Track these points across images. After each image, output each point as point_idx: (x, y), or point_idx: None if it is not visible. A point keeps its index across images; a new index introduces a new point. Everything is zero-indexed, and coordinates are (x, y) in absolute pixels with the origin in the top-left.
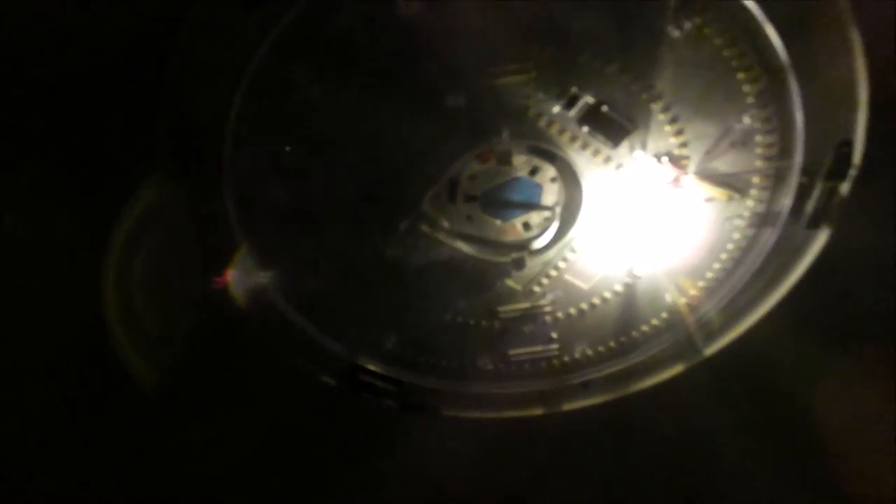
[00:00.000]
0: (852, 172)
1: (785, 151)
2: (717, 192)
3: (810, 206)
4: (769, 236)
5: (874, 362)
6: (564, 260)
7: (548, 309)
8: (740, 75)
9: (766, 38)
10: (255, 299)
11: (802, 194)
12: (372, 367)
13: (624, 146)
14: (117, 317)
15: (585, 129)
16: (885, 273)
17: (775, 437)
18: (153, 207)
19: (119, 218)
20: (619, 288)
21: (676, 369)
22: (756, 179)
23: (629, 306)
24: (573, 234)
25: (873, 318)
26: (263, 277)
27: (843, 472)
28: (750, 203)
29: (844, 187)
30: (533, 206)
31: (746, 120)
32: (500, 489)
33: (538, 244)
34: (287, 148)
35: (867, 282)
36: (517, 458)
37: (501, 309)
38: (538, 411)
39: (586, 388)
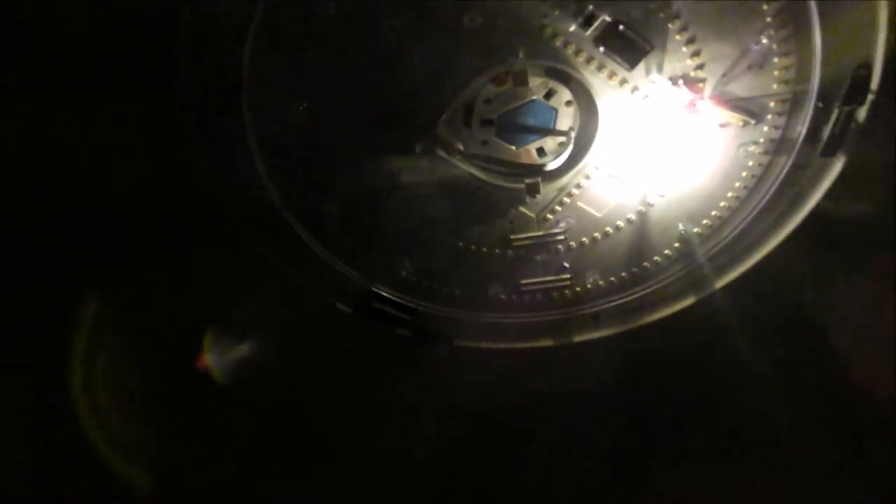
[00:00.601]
0: (870, 97)
1: (802, 75)
2: (732, 117)
3: (826, 132)
4: (784, 163)
5: (886, 290)
6: (578, 187)
7: (561, 237)
8: None
9: None
10: (270, 223)
11: (818, 120)
12: (386, 295)
13: (640, 68)
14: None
15: (602, 49)
16: None
17: (788, 367)
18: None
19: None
20: (632, 216)
21: (687, 301)
22: (772, 104)
23: (642, 236)
24: (588, 159)
25: (887, 247)
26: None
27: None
28: (765, 129)
29: (861, 113)
30: (548, 130)
31: (764, 41)
32: (511, 418)
33: (552, 169)
34: (303, 65)
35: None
36: (528, 388)
37: (514, 237)
38: (548, 342)
39: (597, 319)
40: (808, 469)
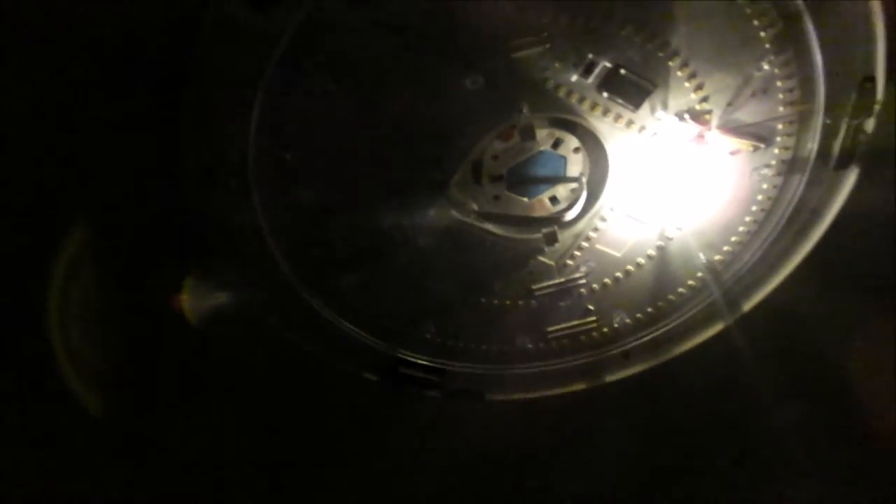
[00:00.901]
0: (877, 108)
1: (806, 94)
2: (742, 144)
3: (837, 146)
4: (798, 183)
5: None
6: (595, 230)
7: (582, 281)
8: (755, 22)
9: None
10: (287, 299)
11: (828, 135)
12: (412, 359)
13: (645, 108)
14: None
15: (605, 94)
16: None
17: (815, 389)
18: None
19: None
20: (651, 252)
21: (715, 329)
22: (780, 126)
23: (663, 270)
24: (602, 202)
25: None
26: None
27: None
28: (776, 151)
29: (870, 124)
30: (558, 178)
31: (765, 66)
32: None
33: (568, 217)
34: (305, 151)
35: None
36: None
37: (536, 286)
38: (580, 386)
39: (627, 357)
40: None
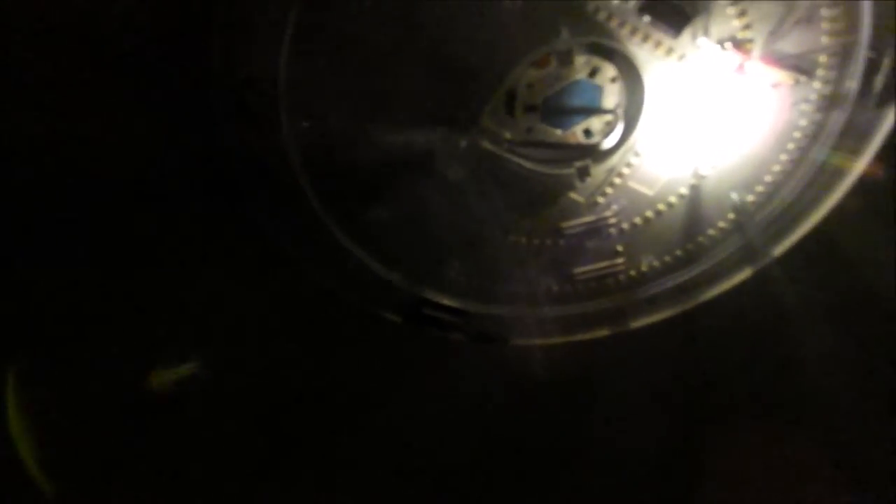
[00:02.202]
0: None
1: (851, 25)
2: (783, 76)
3: (879, 82)
4: (837, 119)
5: None
6: (628, 165)
7: (612, 220)
8: None
9: None
10: (313, 234)
11: (871, 70)
12: (436, 299)
13: (686, 34)
14: None
15: (646, 18)
16: None
17: (854, 329)
18: None
19: None
20: (684, 191)
21: (745, 274)
22: (822, 58)
23: (695, 210)
24: (636, 136)
25: None
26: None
27: None
28: (817, 85)
29: None
30: (594, 109)
31: None
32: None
33: (601, 149)
34: (342, 66)
35: None
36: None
37: (565, 224)
38: (605, 331)
39: (653, 302)
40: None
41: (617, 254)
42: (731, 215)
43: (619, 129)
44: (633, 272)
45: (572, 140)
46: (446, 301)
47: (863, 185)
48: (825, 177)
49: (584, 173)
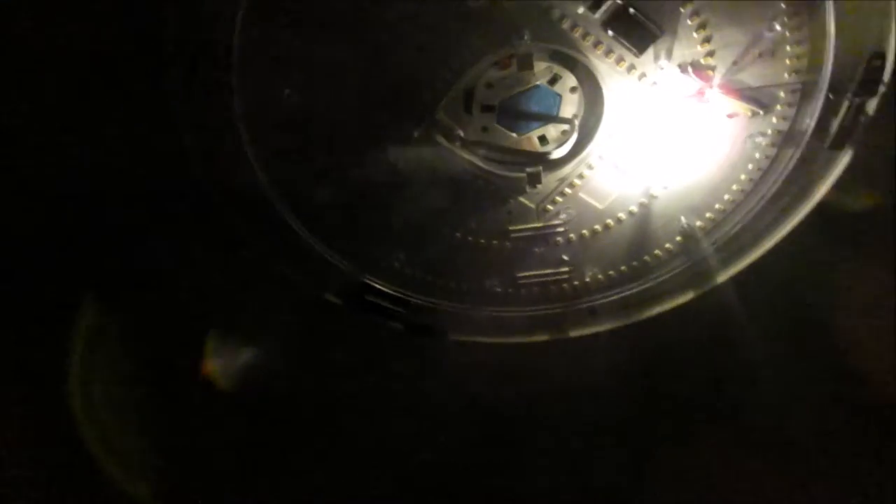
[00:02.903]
0: (881, 89)
1: (814, 64)
2: (741, 107)
3: (835, 124)
4: (791, 156)
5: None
6: (580, 177)
7: (560, 229)
8: None
9: None
10: (260, 211)
11: (828, 111)
12: (379, 286)
13: (649, 53)
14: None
15: (610, 33)
16: None
17: (789, 360)
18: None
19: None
20: (634, 208)
21: (687, 297)
22: (782, 94)
23: (644, 228)
24: (591, 149)
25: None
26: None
27: None
28: (774, 120)
29: (872, 105)
30: (551, 117)
31: (777, 27)
32: (504, 413)
33: (554, 157)
34: (295, 44)
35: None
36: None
37: (513, 228)
38: (544, 337)
39: (594, 314)
40: (811, 460)
41: (562, 262)
42: (679, 238)
43: (575, 139)
44: (576, 282)
45: (526, 145)
46: (388, 289)
47: (810, 221)
48: (774, 211)
49: (535, 179)
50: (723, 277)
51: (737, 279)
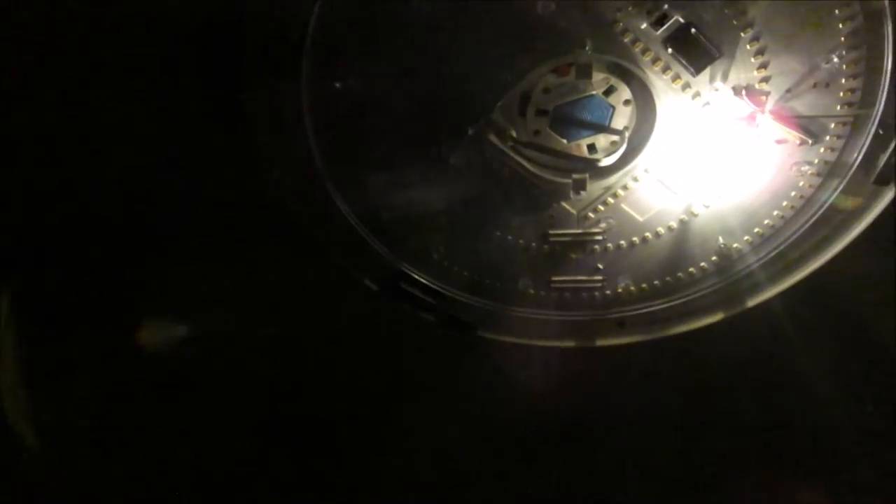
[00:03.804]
0: None
1: (867, 99)
2: (790, 134)
3: (882, 160)
4: (835, 187)
5: None
6: (625, 188)
7: (599, 238)
8: (836, 12)
9: None
10: (311, 188)
11: (876, 147)
12: (415, 276)
13: (705, 74)
14: None
15: (670, 50)
16: None
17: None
18: None
19: None
20: (673, 224)
21: (716, 317)
22: (832, 126)
23: (680, 245)
24: (638, 161)
25: None
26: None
27: None
28: (821, 150)
29: None
30: (603, 127)
31: (834, 59)
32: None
33: (601, 167)
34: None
35: None
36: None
37: (553, 232)
38: (570, 343)
39: (622, 325)
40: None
41: (596, 270)
42: (715, 258)
43: (623, 151)
44: (608, 292)
45: (575, 152)
46: (424, 279)
47: (847, 255)
48: (812, 240)
49: (580, 186)
50: (753, 301)
51: (766, 304)
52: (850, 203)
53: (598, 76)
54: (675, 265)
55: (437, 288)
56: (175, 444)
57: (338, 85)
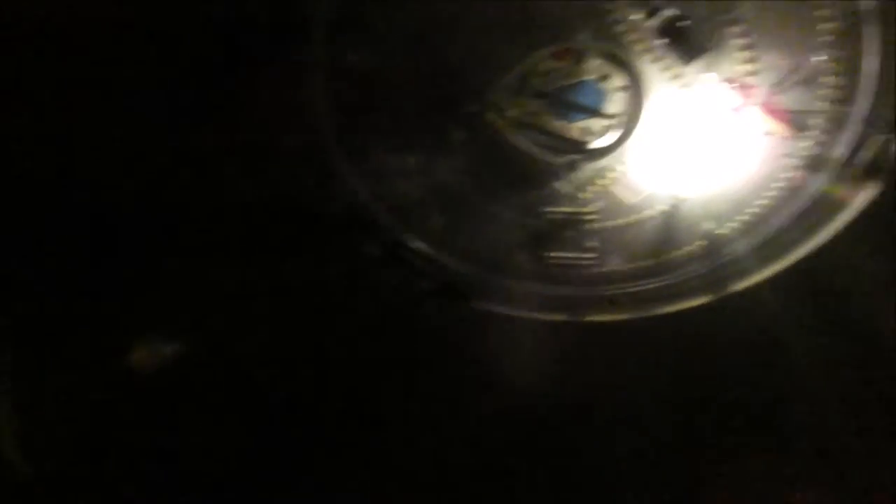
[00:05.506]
0: None
1: (852, 96)
2: (777, 127)
3: (865, 157)
4: (817, 182)
5: None
6: (615, 171)
7: (591, 217)
8: (823, 12)
9: None
10: (316, 154)
11: (859, 144)
12: (412, 244)
13: (695, 65)
14: None
15: (662, 41)
16: None
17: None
18: None
19: None
20: (662, 208)
21: (702, 299)
22: (819, 121)
23: (669, 228)
24: (628, 146)
25: None
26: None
27: None
28: (807, 144)
29: None
30: (597, 112)
31: (819, 58)
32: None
33: (594, 149)
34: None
35: None
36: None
37: (547, 209)
38: (562, 317)
39: (612, 303)
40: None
41: (589, 248)
42: (701, 243)
43: (614, 135)
44: (599, 269)
45: (570, 134)
46: (420, 247)
47: (831, 245)
48: (796, 230)
49: (573, 167)
50: (738, 286)
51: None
52: (836, 193)
53: (594, 63)
54: (664, 247)
55: (432, 255)
56: (175, 444)
57: (348, 58)
